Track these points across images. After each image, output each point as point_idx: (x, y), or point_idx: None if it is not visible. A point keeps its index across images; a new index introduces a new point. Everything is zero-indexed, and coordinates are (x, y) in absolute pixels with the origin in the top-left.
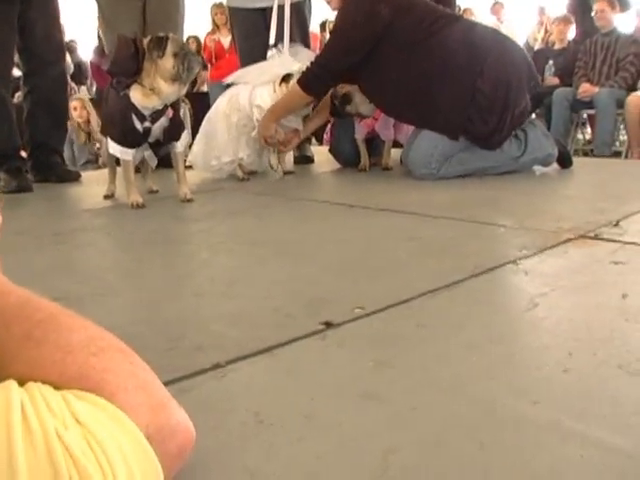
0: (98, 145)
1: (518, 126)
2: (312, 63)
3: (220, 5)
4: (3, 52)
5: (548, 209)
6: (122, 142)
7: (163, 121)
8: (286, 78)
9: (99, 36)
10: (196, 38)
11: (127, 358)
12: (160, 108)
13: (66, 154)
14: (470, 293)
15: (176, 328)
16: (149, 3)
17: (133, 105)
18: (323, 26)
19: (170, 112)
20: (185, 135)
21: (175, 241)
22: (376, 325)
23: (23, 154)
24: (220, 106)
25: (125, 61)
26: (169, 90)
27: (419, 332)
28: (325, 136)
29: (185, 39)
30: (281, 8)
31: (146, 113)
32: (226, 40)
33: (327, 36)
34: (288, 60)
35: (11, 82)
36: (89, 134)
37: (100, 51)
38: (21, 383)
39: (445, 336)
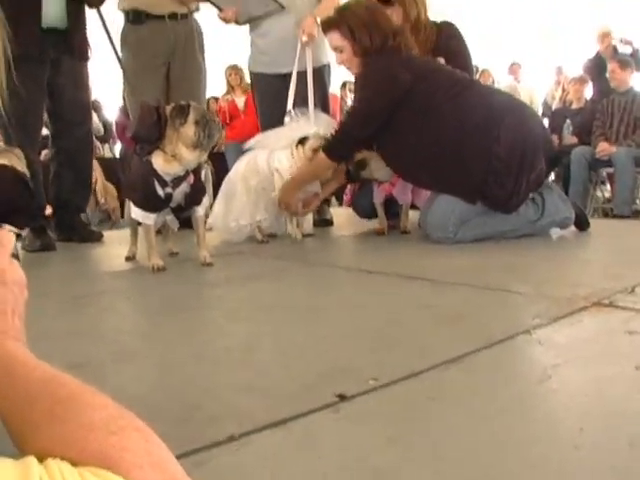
0: (104, 202)
1: (535, 190)
2: (336, 130)
3: (234, 67)
4: (33, 114)
5: (564, 274)
6: (144, 207)
7: (184, 187)
8: (302, 141)
9: (124, 97)
10: (216, 99)
11: (143, 436)
12: (182, 174)
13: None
14: (483, 364)
15: (192, 396)
16: (173, 69)
17: (155, 171)
18: (344, 86)
19: (191, 178)
20: (206, 199)
21: (193, 306)
22: (389, 398)
23: (48, 210)
24: (239, 169)
25: (148, 128)
26: (190, 157)
27: (431, 406)
28: (345, 197)
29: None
30: (301, 74)
31: (168, 179)
32: (240, 100)
33: (348, 95)
34: (304, 124)
35: (39, 142)
36: (96, 197)
37: (126, 111)
38: (41, 458)
39: (457, 409)
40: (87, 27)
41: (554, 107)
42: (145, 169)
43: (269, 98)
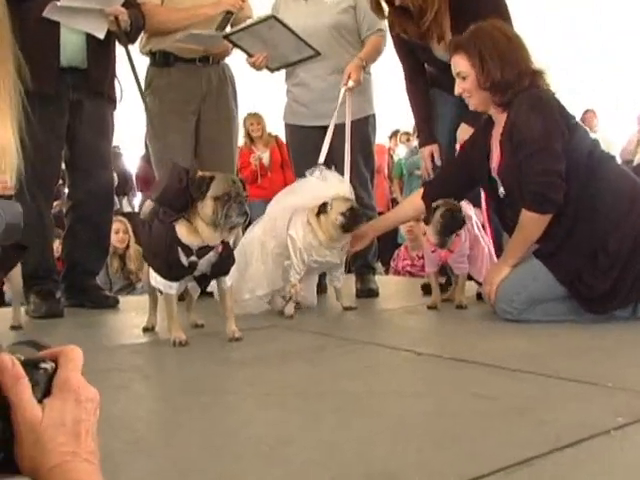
0: (135, 277)
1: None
2: (539, 181)
3: (255, 115)
4: (49, 164)
5: None
6: (165, 275)
7: (211, 256)
8: (322, 209)
9: (146, 144)
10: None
11: None
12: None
13: (101, 278)
14: (551, 472)
15: None
16: (204, 116)
17: (179, 239)
18: (394, 135)
19: (220, 247)
20: (235, 269)
21: (218, 389)
22: None
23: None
24: (256, 232)
25: (174, 194)
26: (209, 234)
27: None
28: (392, 263)
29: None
30: (341, 127)
31: (193, 248)
32: (265, 156)
33: (398, 145)
34: (333, 184)
35: (54, 193)
36: (124, 261)
37: (147, 159)
38: None
39: None
40: (115, 68)
41: (636, 162)
42: (168, 235)
43: (307, 153)
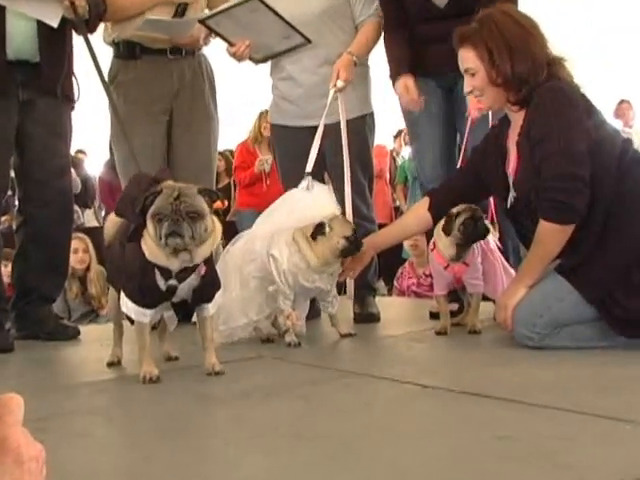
0: (97, 303)
1: None
2: (558, 187)
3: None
4: None
5: None
6: (139, 301)
7: (193, 279)
8: (319, 230)
9: (111, 148)
10: (231, 152)
11: None
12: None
13: (58, 305)
14: None
15: None
16: (176, 119)
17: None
18: (398, 135)
19: (202, 269)
20: (220, 294)
21: (196, 432)
22: None
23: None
24: (232, 255)
25: (130, 205)
26: (163, 257)
27: None
28: (396, 282)
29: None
30: (332, 127)
31: (172, 269)
32: (269, 161)
33: (402, 147)
34: (321, 200)
35: (1, 206)
36: (85, 285)
37: (111, 165)
38: None
39: None
40: (72, 61)
41: None
42: (143, 255)
43: (294, 158)
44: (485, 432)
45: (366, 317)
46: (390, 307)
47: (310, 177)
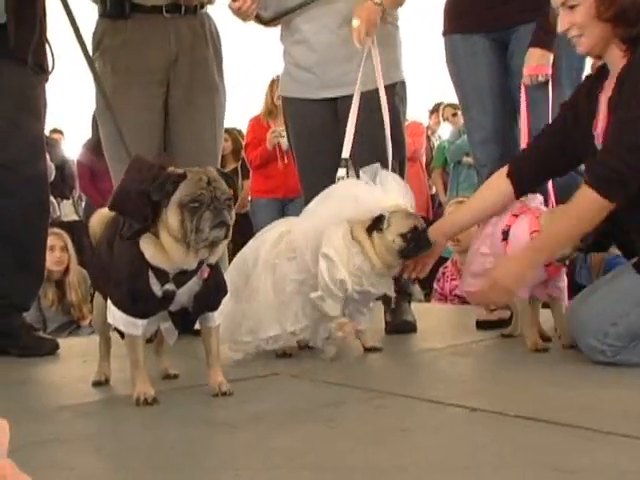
0: (77, 312)
1: None
2: (622, 157)
3: None
4: None
5: None
6: (129, 310)
7: (194, 283)
8: (376, 224)
9: (94, 124)
10: (238, 133)
11: None
12: (190, 267)
13: (30, 314)
14: None
15: None
16: (174, 89)
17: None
18: (435, 110)
19: (205, 271)
20: (227, 301)
21: (200, 465)
22: None
23: None
24: (261, 250)
25: (134, 198)
26: (179, 255)
27: None
28: (436, 285)
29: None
30: (363, 97)
31: (169, 272)
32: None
33: (441, 124)
34: (371, 192)
35: None
36: (62, 290)
37: (93, 146)
38: None
39: None
40: (46, 24)
41: None
42: (134, 254)
43: (311, 137)
44: (549, 465)
45: (400, 327)
46: (429, 315)
47: (348, 163)
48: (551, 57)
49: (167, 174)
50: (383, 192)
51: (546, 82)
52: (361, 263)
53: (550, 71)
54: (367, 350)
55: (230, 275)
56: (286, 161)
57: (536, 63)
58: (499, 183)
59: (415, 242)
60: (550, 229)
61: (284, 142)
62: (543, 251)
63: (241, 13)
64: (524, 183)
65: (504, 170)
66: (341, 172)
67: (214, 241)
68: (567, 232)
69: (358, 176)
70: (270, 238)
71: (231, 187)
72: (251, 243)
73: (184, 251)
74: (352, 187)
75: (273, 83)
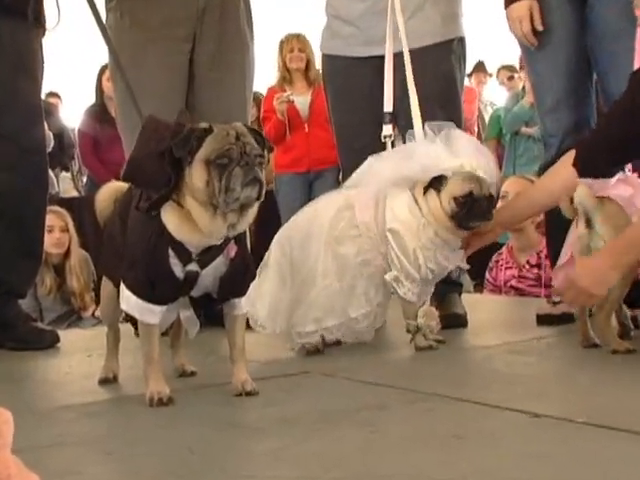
0: (79, 301)
1: None
2: None
3: (298, 38)
4: None
5: None
6: (146, 294)
7: (219, 263)
8: (434, 184)
9: (98, 87)
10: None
11: None
12: (215, 243)
13: (26, 302)
14: None
15: None
16: (200, 47)
17: (170, 236)
18: (478, 67)
19: (233, 249)
20: (254, 286)
21: (220, 470)
22: None
23: None
24: (314, 228)
25: (152, 161)
26: (207, 221)
27: None
28: (488, 275)
29: None
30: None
31: (192, 249)
32: (303, 101)
33: (480, 81)
34: (434, 150)
35: None
36: (62, 276)
37: (96, 113)
38: None
39: None
40: None
41: None
42: (152, 231)
43: (357, 100)
44: (622, 477)
45: (449, 320)
46: (481, 307)
47: (390, 116)
48: None
49: (190, 128)
50: (450, 152)
51: None
52: (433, 235)
53: None
54: (419, 349)
55: (275, 261)
56: (307, 129)
57: None
58: (564, 174)
59: (469, 209)
60: (632, 232)
61: (297, 104)
62: (630, 251)
63: None
64: (588, 168)
65: (569, 157)
66: (387, 129)
67: (245, 203)
68: None
69: (404, 138)
70: (326, 215)
71: (261, 146)
72: (297, 219)
73: (211, 216)
74: (412, 146)
75: (282, 44)
